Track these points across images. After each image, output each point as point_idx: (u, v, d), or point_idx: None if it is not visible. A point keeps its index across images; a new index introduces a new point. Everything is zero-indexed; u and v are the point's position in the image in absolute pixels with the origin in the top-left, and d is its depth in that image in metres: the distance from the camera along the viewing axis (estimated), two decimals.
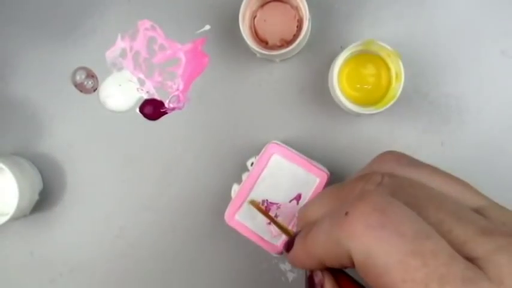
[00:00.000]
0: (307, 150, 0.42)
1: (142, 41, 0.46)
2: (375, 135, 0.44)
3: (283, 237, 0.39)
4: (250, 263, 0.45)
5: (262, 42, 0.44)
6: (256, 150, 0.42)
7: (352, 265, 0.20)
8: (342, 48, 0.42)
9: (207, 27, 0.46)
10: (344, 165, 0.44)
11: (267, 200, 0.40)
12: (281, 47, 0.43)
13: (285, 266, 0.44)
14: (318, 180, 0.40)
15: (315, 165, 0.40)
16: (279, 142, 0.41)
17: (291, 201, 0.39)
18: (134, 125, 0.46)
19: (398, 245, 0.18)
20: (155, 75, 0.46)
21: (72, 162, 0.46)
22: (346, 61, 0.42)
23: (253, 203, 0.39)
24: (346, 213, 0.20)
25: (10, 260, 0.47)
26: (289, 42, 0.43)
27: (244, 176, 0.41)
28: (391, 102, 0.40)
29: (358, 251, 0.19)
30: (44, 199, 0.46)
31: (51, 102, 0.47)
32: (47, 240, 0.46)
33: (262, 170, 0.40)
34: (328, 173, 0.40)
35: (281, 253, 0.40)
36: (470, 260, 0.18)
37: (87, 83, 0.46)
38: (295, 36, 0.43)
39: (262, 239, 0.40)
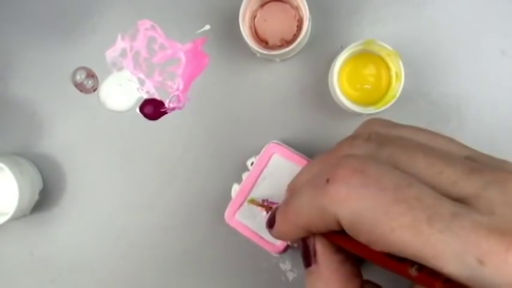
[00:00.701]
0: (307, 150, 0.42)
1: (142, 41, 0.46)
2: None
3: None
4: (250, 263, 0.45)
5: (262, 42, 0.44)
6: (256, 150, 0.42)
7: (340, 228, 0.21)
8: (342, 48, 0.42)
9: (207, 27, 0.46)
10: None
11: (267, 200, 0.40)
12: (281, 46, 0.43)
13: (285, 266, 0.45)
14: None
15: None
16: (279, 142, 0.41)
17: None
18: (134, 125, 0.46)
19: (381, 198, 0.18)
20: (155, 75, 0.46)
21: (72, 162, 0.46)
22: (346, 61, 0.42)
23: (252, 201, 0.40)
24: (327, 180, 0.20)
25: (10, 260, 0.47)
26: (289, 42, 0.43)
27: (245, 176, 0.41)
28: (391, 102, 0.40)
29: (345, 214, 0.19)
30: (44, 199, 0.46)
31: (51, 102, 0.47)
32: (47, 240, 0.46)
33: (263, 169, 0.40)
34: None
35: (281, 253, 0.40)
36: (460, 200, 0.18)
37: (87, 82, 0.46)
38: (295, 36, 0.43)
39: (262, 238, 0.40)
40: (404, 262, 0.18)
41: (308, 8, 0.40)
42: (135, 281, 0.46)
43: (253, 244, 0.40)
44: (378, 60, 0.42)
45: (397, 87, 0.40)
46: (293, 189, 0.26)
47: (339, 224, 0.20)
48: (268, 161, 0.40)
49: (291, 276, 0.44)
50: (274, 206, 0.39)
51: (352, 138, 0.23)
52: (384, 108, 0.40)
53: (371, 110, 0.41)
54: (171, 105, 0.46)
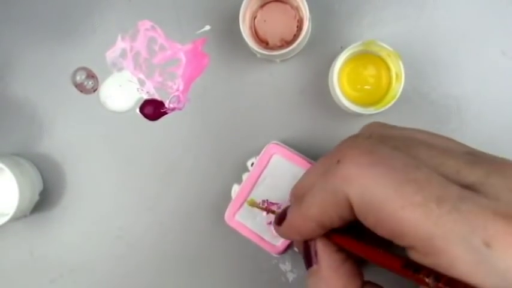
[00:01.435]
0: (307, 150, 0.42)
1: (142, 42, 0.46)
2: None
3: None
4: (250, 263, 0.45)
5: (263, 42, 0.44)
6: (257, 151, 0.42)
7: (352, 215, 0.21)
8: (342, 49, 0.42)
9: (207, 27, 0.46)
10: None
11: (267, 200, 0.40)
12: (281, 47, 0.43)
13: (285, 266, 0.44)
14: None
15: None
16: (279, 142, 0.41)
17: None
18: (134, 125, 0.46)
19: (391, 177, 0.18)
20: (155, 75, 0.46)
21: (73, 163, 0.46)
22: (347, 61, 0.42)
23: (251, 202, 0.40)
24: (338, 161, 0.20)
25: (10, 260, 0.47)
26: (289, 43, 0.43)
27: (245, 176, 0.41)
28: (392, 103, 0.40)
29: (355, 193, 0.19)
30: (44, 199, 0.46)
31: (52, 103, 0.47)
32: (47, 241, 0.46)
33: (263, 170, 0.40)
34: None
35: (281, 253, 0.40)
36: (464, 187, 0.18)
37: (88, 83, 0.46)
38: (296, 37, 0.43)
39: (262, 239, 0.40)
40: (410, 268, 0.19)
41: (308, 8, 0.40)
42: (135, 281, 0.46)
43: (253, 245, 0.40)
44: (378, 60, 0.42)
45: (397, 87, 0.40)
46: (299, 190, 0.26)
47: (350, 207, 0.20)
48: (268, 162, 0.40)
49: (291, 276, 0.44)
50: (273, 208, 0.39)
51: (354, 136, 0.24)
52: (384, 108, 0.40)
53: (371, 110, 0.41)
54: (171, 106, 0.46)
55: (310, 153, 0.42)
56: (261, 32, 0.44)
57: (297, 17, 0.43)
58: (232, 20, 0.44)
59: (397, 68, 0.41)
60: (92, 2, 0.46)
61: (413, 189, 0.18)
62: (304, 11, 0.41)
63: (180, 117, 0.46)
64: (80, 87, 0.46)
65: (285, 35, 0.44)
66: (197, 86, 0.46)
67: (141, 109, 0.46)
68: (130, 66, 0.46)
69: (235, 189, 0.42)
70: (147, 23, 0.46)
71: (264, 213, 0.40)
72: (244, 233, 0.40)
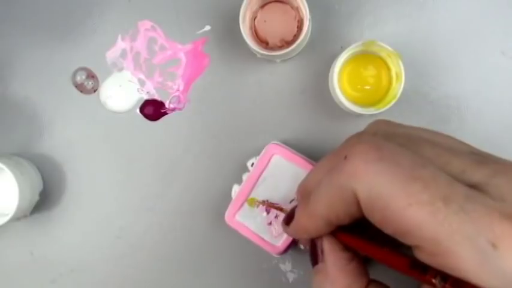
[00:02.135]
0: (307, 151, 0.42)
1: (142, 42, 0.46)
2: None
3: (284, 238, 0.39)
4: (250, 264, 0.45)
5: (263, 42, 0.44)
6: (257, 151, 0.42)
7: (359, 211, 0.20)
8: (343, 49, 0.42)
9: (208, 27, 0.46)
10: None
11: (267, 201, 0.40)
12: (281, 47, 0.43)
13: (285, 267, 0.44)
14: None
15: (315, 165, 0.40)
16: (279, 142, 0.41)
17: (291, 201, 0.39)
18: (134, 125, 0.46)
19: (398, 173, 0.18)
20: (155, 75, 0.46)
21: (73, 163, 0.46)
22: (347, 61, 0.42)
23: (251, 201, 0.39)
24: (345, 157, 0.20)
25: (10, 261, 0.47)
26: (289, 43, 0.43)
27: (245, 177, 0.41)
28: (392, 103, 0.40)
29: (363, 188, 0.19)
30: (44, 199, 0.46)
31: (52, 103, 0.47)
32: (48, 241, 0.46)
33: (263, 170, 0.40)
34: None
35: (281, 254, 0.40)
36: (470, 186, 0.18)
37: (88, 83, 0.46)
38: (296, 37, 0.43)
39: (262, 239, 0.40)
40: (417, 268, 0.19)
41: (308, 8, 0.40)
42: (135, 281, 0.46)
43: (254, 245, 0.40)
44: (378, 60, 0.42)
45: (398, 87, 0.40)
46: (305, 188, 0.26)
47: (357, 203, 0.20)
48: (268, 162, 0.40)
49: (291, 277, 0.44)
50: (275, 206, 0.39)
51: (360, 133, 0.24)
52: (384, 108, 0.40)
53: (371, 110, 0.41)
54: (171, 106, 0.46)
55: (310, 153, 0.42)
56: (261, 32, 0.44)
57: (297, 17, 0.43)
58: (233, 20, 0.44)
59: (397, 68, 0.41)
60: (92, 2, 0.46)
61: (420, 187, 0.18)
62: (304, 11, 0.41)
63: (180, 118, 0.46)
64: (80, 87, 0.46)
65: (285, 35, 0.44)
66: (197, 86, 0.46)
67: (141, 109, 0.46)
68: (130, 67, 0.46)
69: (236, 189, 0.42)
70: (147, 23, 0.46)
71: (264, 213, 0.40)
72: (245, 233, 0.40)
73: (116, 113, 0.46)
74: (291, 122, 0.45)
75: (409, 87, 0.43)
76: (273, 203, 0.40)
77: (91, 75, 0.46)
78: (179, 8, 0.46)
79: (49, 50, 0.47)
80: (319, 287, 0.23)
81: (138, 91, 0.46)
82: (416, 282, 0.19)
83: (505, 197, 0.18)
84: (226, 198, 0.42)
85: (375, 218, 0.20)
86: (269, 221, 0.40)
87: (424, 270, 0.18)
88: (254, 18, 0.44)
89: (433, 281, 0.18)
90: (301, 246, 0.40)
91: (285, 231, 0.27)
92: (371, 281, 0.23)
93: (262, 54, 0.42)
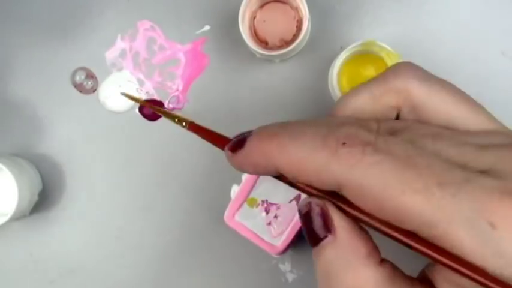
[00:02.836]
0: None
1: (142, 42, 0.46)
2: None
3: (284, 238, 0.39)
4: (249, 264, 0.45)
5: (262, 42, 0.44)
6: None
7: (330, 188, 0.19)
8: (342, 49, 0.41)
9: (207, 27, 0.46)
10: None
11: (266, 201, 0.40)
12: (281, 47, 0.43)
13: (285, 267, 0.44)
14: None
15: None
16: None
17: (290, 201, 0.39)
18: (134, 125, 0.46)
19: (391, 164, 0.18)
20: (155, 75, 0.46)
21: (72, 163, 0.46)
22: (346, 61, 0.42)
23: (250, 202, 0.39)
24: (343, 144, 0.19)
25: (10, 261, 0.46)
26: (288, 43, 0.43)
27: (244, 177, 0.41)
28: None
29: (354, 179, 0.18)
30: (43, 200, 0.46)
31: (51, 103, 0.46)
32: (47, 241, 0.46)
33: None
34: None
35: (281, 254, 0.40)
36: (471, 171, 0.18)
37: (87, 83, 0.46)
38: (295, 37, 0.43)
39: (261, 239, 0.40)
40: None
41: (308, 8, 0.40)
42: (135, 281, 0.46)
43: (253, 245, 0.40)
44: (377, 60, 0.42)
45: None
46: (282, 129, 0.22)
47: (332, 186, 0.19)
48: None
49: (290, 277, 0.44)
50: (273, 209, 0.39)
51: (362, 126, 0.22)
52: None
53: None
54: (171, 106, 0.46)
55: None
56: (260, 32, 0.44)
57: (297, 17, 0.43)
58: (232, 20, 0.44)
59: None
60: (92, 2, 0.46)
61: (414, 175, 0.17)
62: (303, 11, 0.41)
63: None
64: (79, 87, 0.46)
65: (284, 35, 0.44)
66: (197, 86, 0.46)
67: (141, 109, 0.46)
68: (129, 66, 0.46)
69: (235, 189, 0.42)
70: (147, 23, 0.46)
71: (264, 213, 0.40)
72: (244, 233, 0.40)
73: (115, 113, 0.46)
74: None
75: None
76: (272, 203, 0.40)
77: (90, 75, 0.46)
78: (179, 8, 0.46)
79: (48, 50, 0.46)
80: (333, 263, 0.20)
81: (137, 91, 0.46)
82: (418, 265, 0.19)
83: (508, 175, 0.17)
84: (226, 198, 0.42)
85: (367, 207, 0.19)
86: (268, 221, 0.40)
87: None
88: (253, 18, 0.44)
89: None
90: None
91: (227, 156, 0.23)
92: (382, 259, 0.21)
93: (261, 54, 0.42)
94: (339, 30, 0.45)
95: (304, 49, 0.44)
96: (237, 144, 0.23)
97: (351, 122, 0.22)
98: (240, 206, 0.40)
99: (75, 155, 0.46)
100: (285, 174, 0.20)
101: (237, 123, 0.45)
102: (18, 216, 0.43)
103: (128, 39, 0.46)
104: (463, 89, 0.44)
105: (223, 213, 0.41)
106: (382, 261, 0.20)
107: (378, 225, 0.19)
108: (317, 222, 0.20)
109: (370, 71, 0.42)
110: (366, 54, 0.42)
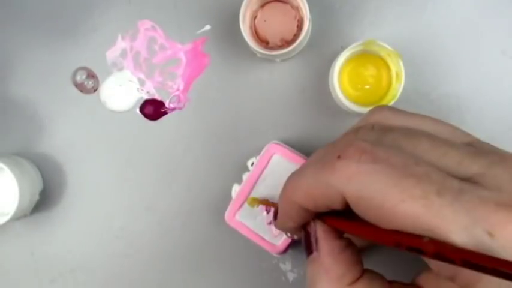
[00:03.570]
0: (307, 150, 0.42)
1: (142, 41, 0.46)
2: None
3: (284, 237, 0.39)
4: (250, 263, 0.45)
5: (263, 42, 0.44)
6: (257, 150, 0.42)
7: (341, 207, 0.20)
8: (343, 48, 0.42)
9: (208, 27, 0.46)
10: None
11: (267, 200, 0.40)
12: (281, 47, 0.43)
13: (285, 266, 0.44)
14: None
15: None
16: (279, 142, 0.41)
17: None
18: (134, 125, 0.46)
19: (390, 173, 0.18)
20: (156, 75, 0.46)
21: (73, 163, 0.46)
22: (347, 61, 0.42)
23: (251, 201, 0.39)
24: (339, 157, 0.20)
25: (10, 260, 0.47)
26: (289, 42, 0.43)
27: (245, 176, 0.41)
28: (392, 102, 0.40)
29: (353, 190, 0.19)
30: (44, 199, 0.46)
31: (52, 103, 0.47)
32: (48, 241, 0.46)
33: (263, 170, 0.40)
34: None
35: (281, 253, 0.40)
36: (466, 180, 0.18)
37: (88, 83, 0.46)
38: (296, 36, 0.43)
39: (262, 239, 0.40)
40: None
41: (308, 8, 0.40)
42: (135, 281, 0.46)
43: (254, 244, 0.40)
44: (378, 60, 0.42)
45: (398, 87, 0.40)
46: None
47: (342, 202, 0.20)
48: (268, 161, 0.40)
49: (291, 276, 0.44)
50: (275, 205, 0.39)
51: (357, 129, 0.24)
52: None
53: None
54: (172, 106, 0.46)
55: (310, 153, 0.42)
56: (261, 32, 0.44)
57: (297, 17, 0.43)
58: (233, 19, 0.44)
59: (397, 67, 0.41)
60: (92, 2, 0.46)
61: (412, 183, 0.18)
62: (304, 11, 0.41)
63: (181, 117, 0.46)
64: (80, 87, 0.46)
65: (285, 35, 0.44)
66: (197, 85, 0.46)
67: (141, 109, 0.46)
68: (130, 66, 0.46)
69: (236, 189, 0.42)
70: (147, 23, 0.46)
71: (264, 213, 0.40)
72: (245, 232, 0.40)
73: (116, 112, 0.46)
74: (291, 122, 0.45)
75: (409, 86, 0.43)
76: (273, 203, 0.40)
77: (91, 75, 0.46)
78: (179, 7, 0.46)
79: (49, 49, 0.47)
80: (314, 276, 0.23)
81: (138, 91, 0.46)
82: (411, 272, 0.19)
83: (502, 186, 0.18)
84: (226, 198, 0.42)
85: (368, 216, 0.20)
86: (269, 221, 0.40)
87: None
88: (254, 17, 0.44)
89: (424, 239, 0.17)
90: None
91: (275, 226, 0.27)
92: (365, 271, 0.23)
93: (262, 54, 0.42)
94: (340, 29, 0.45)
95: (304, 49, 0.44)
96: (276, 211, 0.26)
97: (346, 134, 0.23)
98: (241, 205, 0.40)
99: (76, 154, 0.46)
100: (306, 207, 0.22)
101: (237, 122, 0.45)
102: (19, 216, 0.44)
103: (128, 39, 0.46)
104: (463, 88, 0.44)
105: (224, 213, 0.41)
106: (358, 279, 0.22)
107: (366, 237, 0.20)
108: (310, 240, 0.24)
109: (370, 71, 0.42)
110: (366, 54, 0.42)
